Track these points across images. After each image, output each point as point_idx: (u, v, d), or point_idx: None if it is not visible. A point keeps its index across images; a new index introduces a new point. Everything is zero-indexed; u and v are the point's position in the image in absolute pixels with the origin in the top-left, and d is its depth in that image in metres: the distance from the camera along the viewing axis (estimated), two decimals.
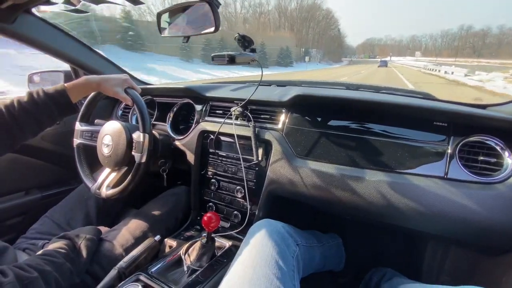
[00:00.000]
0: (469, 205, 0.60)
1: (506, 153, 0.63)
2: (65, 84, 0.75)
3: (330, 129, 0.80)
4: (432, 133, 0.70)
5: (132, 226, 0.83)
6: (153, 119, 1.15)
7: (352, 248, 1.03)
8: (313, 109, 0.85)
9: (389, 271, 0.92)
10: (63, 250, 0.63)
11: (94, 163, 0.95)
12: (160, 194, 1.00)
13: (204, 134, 0.99)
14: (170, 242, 0.84)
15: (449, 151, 0.67)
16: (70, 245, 0.66)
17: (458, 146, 0.66)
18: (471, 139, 0.66)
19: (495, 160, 0.64)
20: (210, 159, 0.99)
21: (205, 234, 0.73)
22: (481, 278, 0.74)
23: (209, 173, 0.99)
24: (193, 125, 1.02)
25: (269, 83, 1.18)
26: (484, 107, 0.81)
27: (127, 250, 0.75)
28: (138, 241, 0.79)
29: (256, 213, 0.87)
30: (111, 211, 0.97)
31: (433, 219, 0.64)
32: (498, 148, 0.64)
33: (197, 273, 0.70)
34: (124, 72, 1.20)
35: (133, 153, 0.83)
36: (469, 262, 0.80)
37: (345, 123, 0.80)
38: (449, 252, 0.86)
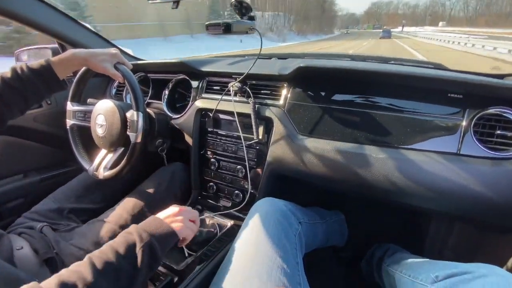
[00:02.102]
0: (483, 182, 0.57)
1: None
2: (51, 59, 0.71)
3: (335, 104, 0.75)
4: (446, 106, 0.65)
5: (129, 206, 0.82)
6: (148, 97, 1.10)
7: (355, 224, 1.03)
8: (317, 82, 0.79)
9: (392, 246, 0.91)
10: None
11: (90, 144, 0.92)
12: (154, 172, 0.97)
13: (202, 112, 0.94)
14: None
15: (463, 124, 0.62)
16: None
17: (474, 120, 0.62)
18: (488, 111, 0.62)
19: None
20: (209, 138, 0.95)
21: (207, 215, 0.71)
22: (484, 255, 0.73)
23: (209, 152, 0.96)
24: (190, 103, 0.97)
25: (269, 56, 1.11)
26: (502, 77, 0.75)
27: None
28: (137, 220, 0.77)
29: (258, 192, 0.86)
30: (116, 192, 0.95)
31: (442, 197, 0.61)
32: None
33: (199, 252, 0.69)
34: (114, 46, 1.12)
35: (128, 133, 0.79)
36: (473, 239, 0.79)
37: (351, 97, 0.75)
38: (453, 228, 0.85)
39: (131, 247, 0.47)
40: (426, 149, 0.64)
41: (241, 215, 0.86)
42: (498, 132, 0.60)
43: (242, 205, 0.86)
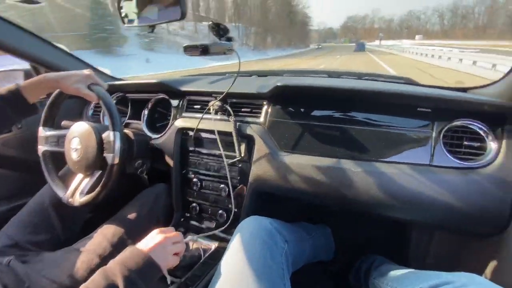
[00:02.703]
0: (454, 192, 0.60)
1: (489, 137, 0.62)
2: (20, 84, 0.68)
3: (314, 120, 0.77)
4: (416, 119, 0.69)
5: (108, 233, 0.77)
6: (127, 118, 1.07)
7: (341, 237, 1.03)
8: (296, 99, 0.81)
9: (378, 258, 0.92)
10: None
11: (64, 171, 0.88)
12: (136, 196, 0.93)
13: (183, 131, 0.93)
14: None
15: (433, 137, 0.65)
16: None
17: (442, 132, 0.65)
18: (455, 123, 0.65)
19: (479, 144, 0.63)
20: (191, 157, 0.94)
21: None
22: (465, 262, 0.75)
23: (191, 172, 0.94)
24: (170, 122, 0.96)
25: (249, 74, 1.13)
26: (465, 90, 0.81)
27: (106, 259, 0.70)
28: (117, 249, 0.73)
29: (242, 211, 0.84)
30: (78, 219, 0.89)
31: (419, 208, 0.63)
32: (481, 132, 0.64)
33: (183, 278, 0.66)
34: (90, 67, 1.10)
35: (104, 154, 0.76)
36: (453, 247, 0.82)
37: (329, 112, 0.77)
38: (433, 237, 0.87)
39: None
40: (401, 161, 0.66)
41: (225, 235, 0.84)
42: (466, 143, 0.64)
43: (226, 225, 0.84)
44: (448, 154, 0.64)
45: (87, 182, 0.81)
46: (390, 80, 0.97)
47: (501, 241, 0.59)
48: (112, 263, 0.49)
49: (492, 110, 0.62)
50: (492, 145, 0.62)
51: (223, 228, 0.84)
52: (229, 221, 0.84)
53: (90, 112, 1.18)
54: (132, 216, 0.84)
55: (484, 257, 0.64)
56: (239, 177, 0.85)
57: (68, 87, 0.72)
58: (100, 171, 0.80)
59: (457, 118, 0.65)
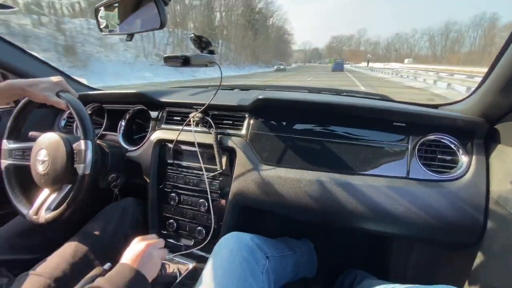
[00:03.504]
0: (429, 204, 0.61)
1: (461, 151, 0.65)
2: None
3: (295, 133, 0.78)
4: (392, 134, 0.71)
5: (68, 253, 0.69)
6: (102, 129, 1.02)
7: (324, 252, 1.02)
8: (277, 113, 0.82)
9: (360, 273, 0.91)
10: None
11: (30, 186, 0.80)
12: (100, 211, 0.86)
13: (161, 143, 0.90)
14: None
15: (408, 150, 0.68)
16: None
17: (417, 145, 0.68)
18: (428, 137, 0.68)
19: (451, 157, 0.66)
20: (169, 171, 0.90)
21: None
22: (445, 272, 0.76)
23: (168, 186, 0.90)
24: (149, 133, 0.93)
25: (232, 87, 1.13)
26: (436, 106, 0.85)
27: (65, 285, 0.63)
28: (79, 272, 0.66)
29: (222, 227, 0.81)
30: (36, 238, 0.81)
31: (398, 220, 0.64)
32: (452, 146, 0.67)
33: None
34: (64, 75, 1.05)
35: (75, 165, 0.71)
36: (432, 258, 0.83)
37: (309, 126, 0.78)
38: (413, 249, 0.88)
39: None
40: (379, 174, 0.68)
41: (204, 254, 0.79)
42: (439, 156, 0.67)
43: (205, 242, 0.80)
44: (423, 167, 0.66)
45: (54, 197, 0.74)
46: (366, 96, 1.00)
47: (478, 251, 0.60)
48: (100, 280, 0.46)
49: (461, 125, 0.66)
50: (463, 158, 0.65)
51: (202, 245, 0.79)
52: (208, 238, 0.80)
53: (63, 122, 1.12)
54: (96, 232, 0.77)
55: (462, 268, 0.65)
56: (219, 191, 0.83)
57: (36, 94, 0.67)
58: (70, 185, 0.74)
59: (430, 132, 0.68)
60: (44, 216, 0.71)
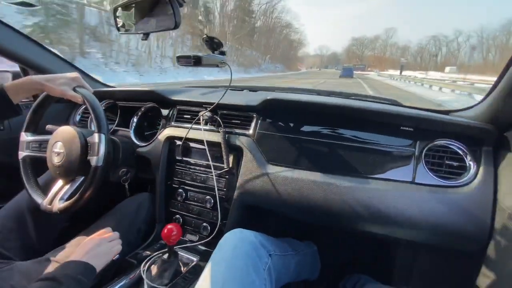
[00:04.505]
0: (436, 210, 0.61)
1: (468, 157, 0.65)
2: (4, 84, 0.67)
3: (302, 134, 0.79)
4: (400, 138, 0.71)
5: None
6: (115, 125, 1.06)
7: (327, 255, 1.02)
8: (285, 114, 0.83)
9: (363, 277, 0.91)
10: None
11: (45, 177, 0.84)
12: (118, 204, 0.90)
13: (171, 140, 0.92)
14: (131, 260, 0.76)
15: (415, 155, 0.67)
16: None
17: (424, 150, 0.68)
18: (436, 143, 0.68)
19: (458, 163, 0.66)
20: (177, 167, 0.92)
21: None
22: (449, 279, 0.75)
23: (176, 182, 0.92)
24: (159, 130, 0.95)
25: (241, 88, 1.15)
26: (447, 112, 0.84)
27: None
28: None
29: (227, 224, 0.82)
30: (54, 228, 0.85)
31: (403, 225, 0.64)
32: (460, 152, 0.66)
33: None
34: (81, 72, 1.09)
35: (88, 157, 0.74)
36: (437, 265, 0.82)
37: (317, 128, 0.79)
38: (418, 256, 0.87)
39: None
40: (386, 177, 0.68)
41: (208, 249, 0.81)
42: (446, 162, 0.66)
43: (209, 238, 0.81)
44: (429, 172, 0.65)
45: (67, 188, 0.78)
46: (376, 100, 1.00)
47: (482, 259, 0.60)
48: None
49: (469, 131, 0.65)
50: (471, 164, 0.64)
51: (206, 240, 0.81)
52: (213, 234, 0.82)
53: (78, 117, 1.16)
54: (111, 225, 0.81)
55: (466, 275, 0.64)
56: (225, 189, 0.84)
57: (54, 89, 0.71)
58: (83, 177, 0.78)
59: (438, 138, 0.68)
60: (58, 205, 0.75)
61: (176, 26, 0.60)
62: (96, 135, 0.71)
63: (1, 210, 0.80)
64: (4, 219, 0.77)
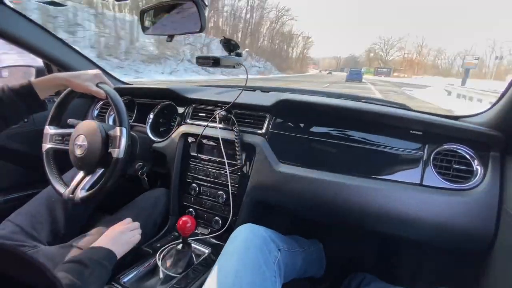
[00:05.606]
0: (443, 211, 0.63)
1: (476, 162, 0.67)
2: (32, 80, 0.72)
3: (313, 135, 0.81)
4: (409, 141, 0.73)
5: (105, 231, 0.78)
6: (132, 120, 1.10)
7: (333, 253, 1.04)
8: (297, 115, 0.86)
9: (368, 276, 0.93)
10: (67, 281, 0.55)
11: (66, 169, 0.89)
12: (137, 197, 0.94)
13: (186, 137, 0.96)
14: (146, 249, 0.80)
15: (424, 158, 0.70)
16: (79, 272, 0.57)
17: (432, 154, 0.70)
18: (444, 147, 0.70)
19: (466, 168, 0.68)
20: (191, 163, 0.96)
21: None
22: (455, 279, 0.77)
23: (190, 177, 0.96)
24: (175, 127, 0.99)
25: (254, 89, 1.19)
26: (456, 118, 0.86)
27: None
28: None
29: (238, 219, 0.86)
30: (80, 217, 0.90)
31: (410, 225, 0.66)
32: (468, 156, 0.68)
33: (173, 282, 0.67)
34: (101, 69, 1.14)
35: (109, 150, 0.78)
36: (443, 265, 0.83)
37: (327, 129, 0.81)
38: (425, 257, 0.89)
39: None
40: (394, 179, 0.70)
41: (219, 242, 0.84)
42: (454, 166, 0.68)
43: (221, 231, 0.85)
44: (437, 175, 0.67)
45: (88, 179, 0.82)
46: (386, 104, 1.02)
47: (488, 259, 0.61)
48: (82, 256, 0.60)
49: (477, 137, 0.67)
50: (478, 169, 0.66)
51: (218, 233, 0.85)
52: (225, 228, 0.85)
53: (96, 112, 1.21)
54: (131, 217, 0.85)
55: (473, 275, 0.66)
56: (237, 185, 0.87)
57: (78, 85, 0.75)
58: (103, 169, 0.82)
59: (446, 142, 0.70)
60: (80, 195, 0.79)
61: (201, 29, 0.63)
62: (117, 129, 0.76)
63: (36, 197, 0.85)
64: (38, 205, 0.82)
